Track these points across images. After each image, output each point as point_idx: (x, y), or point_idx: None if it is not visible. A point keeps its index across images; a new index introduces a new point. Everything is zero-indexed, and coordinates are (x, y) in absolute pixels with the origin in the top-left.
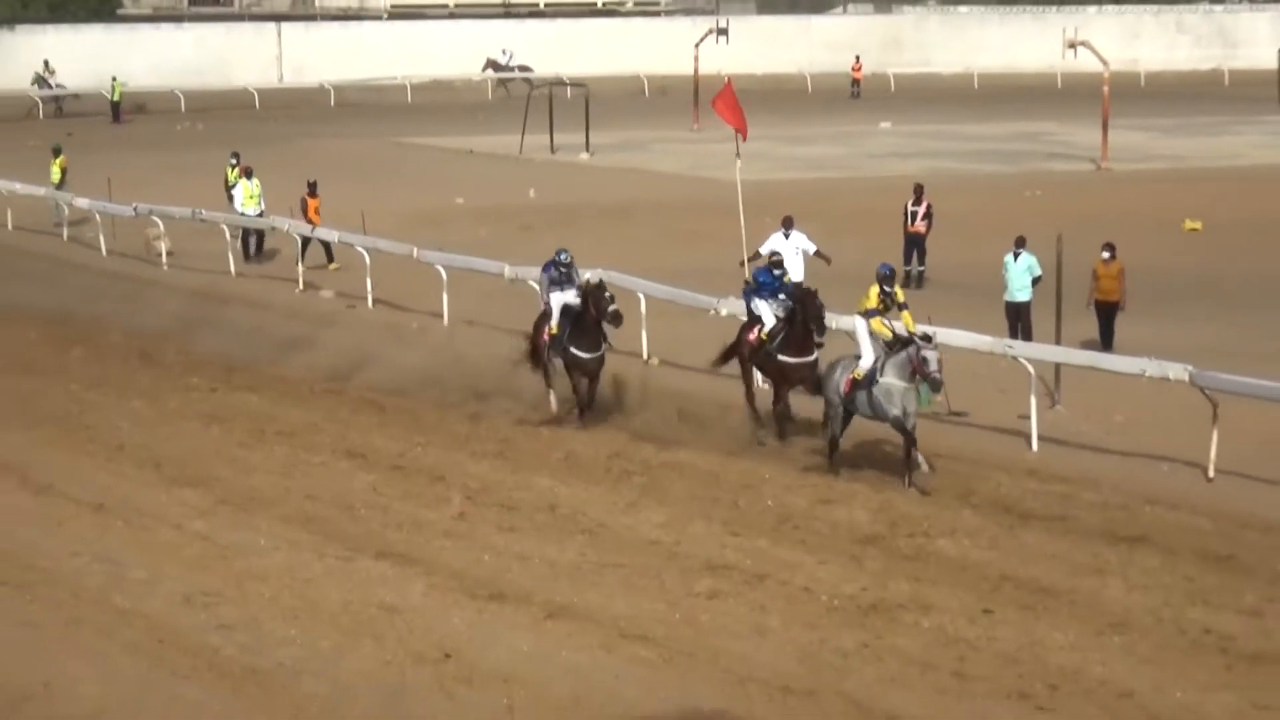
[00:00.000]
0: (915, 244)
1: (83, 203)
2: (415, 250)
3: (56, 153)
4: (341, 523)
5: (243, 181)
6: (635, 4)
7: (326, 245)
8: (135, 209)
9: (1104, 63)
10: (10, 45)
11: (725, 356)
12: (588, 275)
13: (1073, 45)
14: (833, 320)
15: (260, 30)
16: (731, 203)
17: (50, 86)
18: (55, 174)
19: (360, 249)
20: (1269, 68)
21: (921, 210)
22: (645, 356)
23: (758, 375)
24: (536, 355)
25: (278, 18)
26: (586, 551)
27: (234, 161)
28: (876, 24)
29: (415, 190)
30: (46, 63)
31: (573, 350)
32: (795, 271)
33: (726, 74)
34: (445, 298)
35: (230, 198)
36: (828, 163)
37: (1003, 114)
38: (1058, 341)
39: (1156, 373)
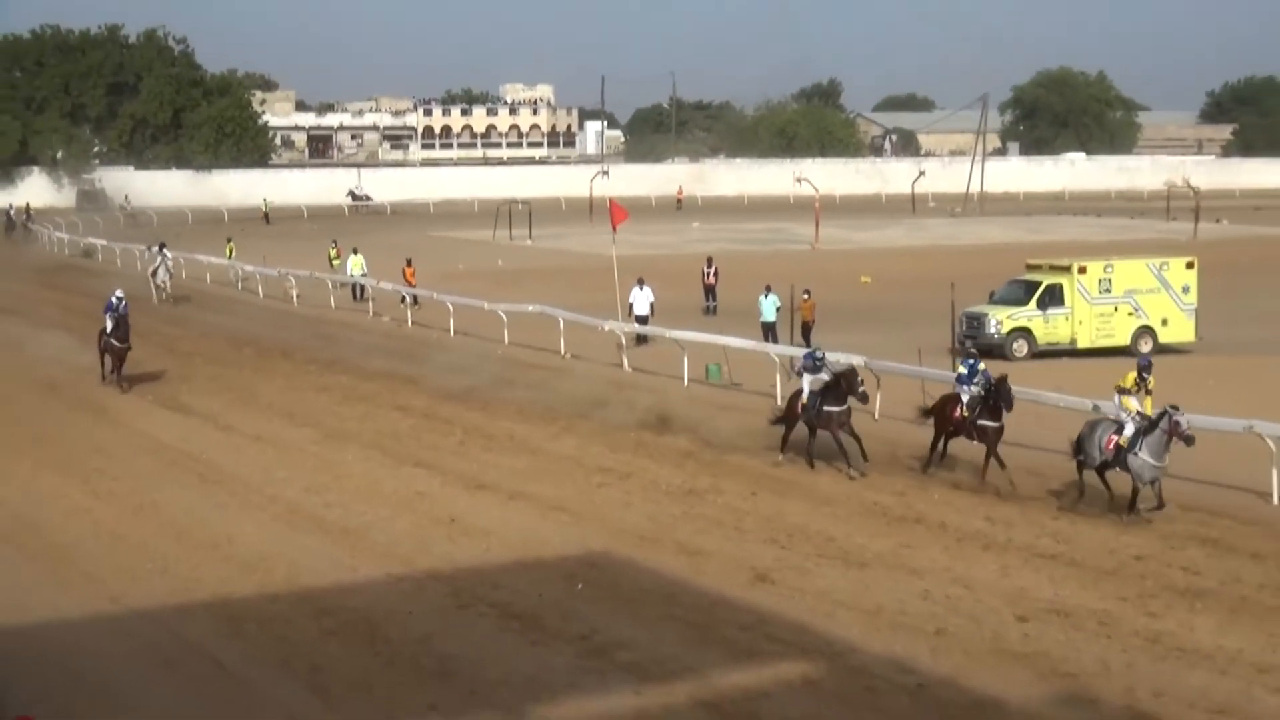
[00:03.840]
0: (710, 291)
1: (249, 268)
2: (434, 294)
3: (229, 240)
4: (394, 447)
5: (353, 257)
6: (557, 158)
7: (414, 295)
8: (279, 271)
9: (816, 190)
10: (207, 181)
11: (938, 423)
12: (827, 355)
13: (799, 180)
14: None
15: (348, 172)
16: (610, 267)
17: (126, 208)
18: (228, 251)
19: (406, 297)
20: (905, 193)
21: (711, 271)
22: (562, 353)
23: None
24: (788, 418)
25: (358, 165)
26: (531, 462)
27: (334, 244)
28: (690, 168)
29: (436, 261)
30: (127, 196)
31: (825, 408)
32: (643, 308)
33: (609, 197)
34: (452, 321)
35: (332, 267)
36: (662, 245)
37: (759, 219)
38: (791, 343)
39: (846, 361)
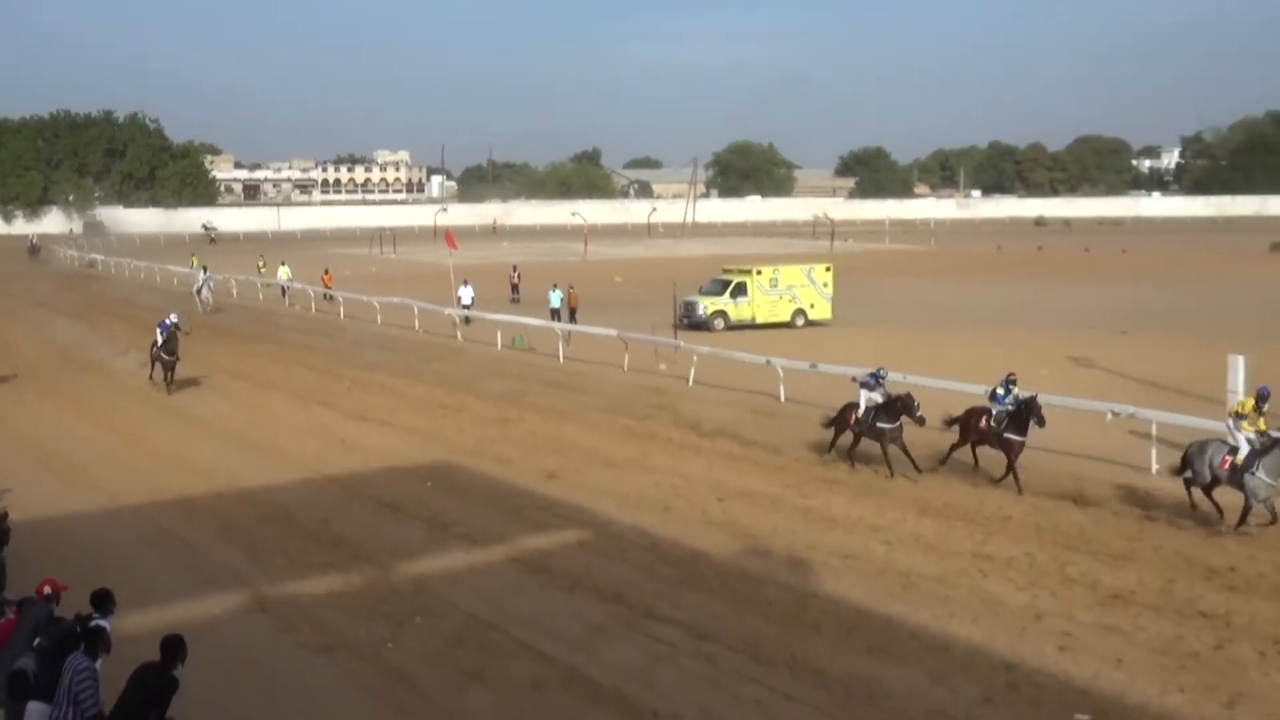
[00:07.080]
0: (515, 287)
1: (206, 273)
2: (332, 290)
3: (193, 255)
4: (303, 392)
5: (281, 267)
6: (412, 200)
7: (330, 295)
8: (224, 277)
9: (585, 221)
10: (174, 216)
11: (962, 431)
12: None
13: (573, 214)
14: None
15: (272, 209)
16: (447, 273)
17: (75, 233)
18: (192, 262)
19: (310, 292)
20: (643, 223)
21: (516, 274)
22: (417, 329)
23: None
24: (838, 425)
25: (278, 204)
26: (396, 402)
27: (261, 258)
28: (502, 206)
29: (337, 269)
30: (72, 229)
31: (878, 424)
32: (467, 299)
33: (446, 228)
34: (342, 309)
35: (260, 274)
36: (482, 257)
37: (548, 240)
38: (569, 322)
39: (605, 333)
